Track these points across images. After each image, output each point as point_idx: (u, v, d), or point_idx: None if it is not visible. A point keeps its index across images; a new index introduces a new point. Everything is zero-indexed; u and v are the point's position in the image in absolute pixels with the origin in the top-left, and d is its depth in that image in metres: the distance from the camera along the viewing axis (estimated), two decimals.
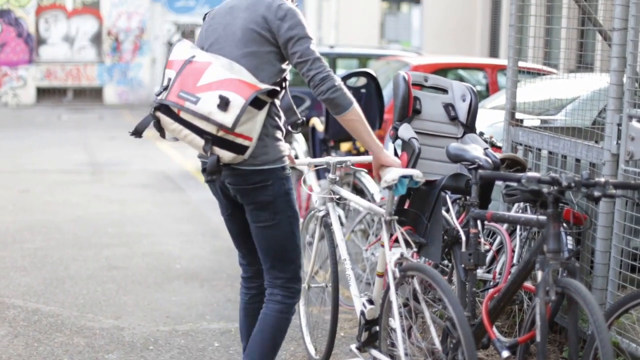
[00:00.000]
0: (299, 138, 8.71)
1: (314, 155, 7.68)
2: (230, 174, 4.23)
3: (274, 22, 4.18)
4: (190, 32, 24.96)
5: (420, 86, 5.02)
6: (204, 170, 4.16)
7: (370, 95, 7.39)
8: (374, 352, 4.62)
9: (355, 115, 4.29)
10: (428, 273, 4.06)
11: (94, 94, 24.50)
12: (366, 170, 7.17)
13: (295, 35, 4.15)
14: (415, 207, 4.70)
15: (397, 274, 4.27)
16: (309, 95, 9.38)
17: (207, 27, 4.46)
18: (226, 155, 4.09)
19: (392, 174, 4.25)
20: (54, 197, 10.68)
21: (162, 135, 4.29)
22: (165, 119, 4.20)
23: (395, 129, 4.81)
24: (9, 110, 22.70)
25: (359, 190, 7.47)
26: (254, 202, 4.29)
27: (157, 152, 15.23)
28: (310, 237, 5.80)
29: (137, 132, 4.31)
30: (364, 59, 12.81)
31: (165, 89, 4.17)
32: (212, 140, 4.06)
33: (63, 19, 24.30)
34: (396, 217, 4.51)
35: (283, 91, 4.34)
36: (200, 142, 4.08)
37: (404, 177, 4.24)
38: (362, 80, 7.45)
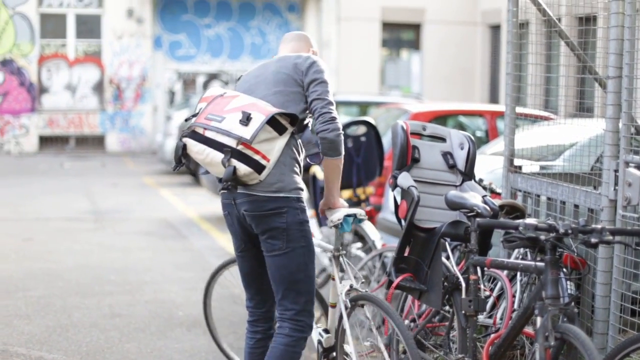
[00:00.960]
0: None
1: (315, 203, 7.73)
2: (247, 200, 4.50)
3: (303, 66, 4.66)
4: (192, 80, 25.14)
5: (419, 135, 5.10)
6: (224, 191, 4.42)
7: (370, 143, 7.47)
8: None
9: (340, 162, 4.67)
10: (375, 301, 4.57)
11: (96, 142, 24.62)
12: (366, 218, 7.22)
13: (319, 78, 4.62)
14: (416, 254, 4.76)
15: (349, 304, 4.69)
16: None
17: (241, 81, 4.88)
18: (243, 168, 4.38)
19: (338, 214, 4.75)
20: (57, 245, 10.73)
21: (188, 167, 4.75)
22: (190, 142, 4.49)
23: (395, 177, 4.88)
24: (12, 158, 22.81)
25: (360, 237, 7.53)
26: (268, 229, 4.51)
27: (159, 200, 15.29)
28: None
29: (176, 162, 4.55)
30: (364, 106, 12.93)
31: (194, 115, 4.55)
32: (231, 152, 4.37)
33: (65, 68, 24.47)
34: (344, 252, 4.94)
35: (305, 128, 4.67)
36: (219, 156, 4.39)
37: (348, 216, 4.76)
38: (362, 129, 7.53)
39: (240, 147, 4.36)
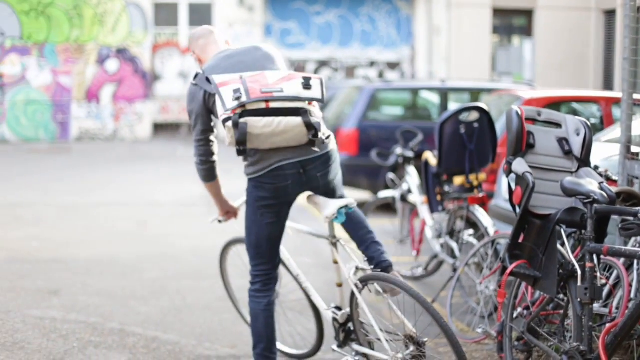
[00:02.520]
0: (412, 172, 8.76)
1: (427, 190, 7.72)
2: (320, 158, 5.08)
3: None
4: (302, 68, 25.28)
5: (534, 121, 5.02)
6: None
7: (483, 130, 7.40)
8: (355, 346, 5.31)
9: None
10: (383, 278, 4.91)
11: None
12: (479, 204, 7.21)
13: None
14: (530, 241, 4.70)
15: (359, 284, 5.01)
16: (421, 130, 9.46)
17: (225, 68, 5.12)
18: (315, 121, 4.81)
19: (331, 209, 5.08)
20: (171, 229, 10.95)
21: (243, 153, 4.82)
22: (252, 120, 4.70)
23: (509, 164, 4.83)
24: (126, 144, 23.32)
25: (472, 224, 7.49)
26: (333, 178, 5.26)
27: None
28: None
29: (240, 143, 4.73)
30: (475, 93, 12.81)
31: (238, 99, 4.69)
32: (307, 111, 4.80)
33: (177, 56, 24.90)
34: (341, 238, 5.43)
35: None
36: (297, 119, 4.76)
37: (341, 208, 5.09)
38: (475, 115, 7.47)
39: (309, 108, 4.83)
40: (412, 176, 8.76)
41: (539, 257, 4.63)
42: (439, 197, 7.64)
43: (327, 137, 5.07)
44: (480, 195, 7.36)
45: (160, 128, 24.84)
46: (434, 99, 12.90)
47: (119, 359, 6.02)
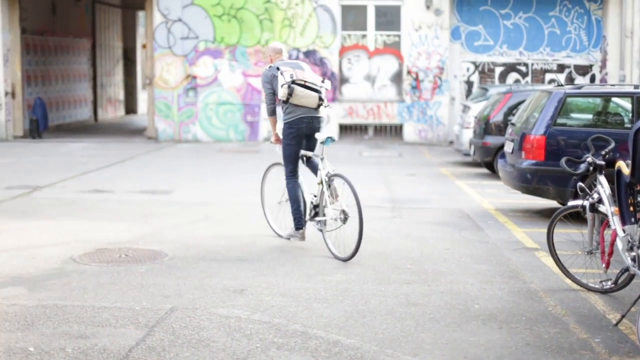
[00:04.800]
0: (603, 181, 8.46)
1: (619, 200, 7.44)
2: (318, 118, 10.14)
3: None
4: (489, 71, 24.96)
5: None
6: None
7: None
8: (317, 218, 9.94)
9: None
10: (339, 175, 9.69)
11: (393, 132, 25.07)
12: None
13: None
14: None
15: (326, 179, 9.71)
16: (614, 137, 9.12)
17: (288, 68, 10.03)
18: (323, 96, 10.09)
19: (322, 136, 9.87)
20: None
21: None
22: (297, 88, 9.85)
23: None
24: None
25: None
26: (318, 128, 10.18)
27: (455, 190, 15.31)
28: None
29: (288, 96, 10.03)
30: None
31: (291, 76, 9.85)
32: (320, 92, 10.01)
33: (365, 59, 25.07)
34: (324, 157, 9.93)
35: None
36: (315, 94, 9.95)
37: (328, 137, 9.83)
38: None
39: (322, 90, 10.03)
40: (603, 185, 8.45)
41: None
42: (631, 208, 7.35)
43: (327, 106, 10.13)
44: None
45: (346, 130, 25.07)
46: (627, 105, 12.45)
47: None
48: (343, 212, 9.50)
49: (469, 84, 25.23)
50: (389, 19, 25.04)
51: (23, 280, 8.35)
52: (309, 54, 24.81)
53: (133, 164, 19.16)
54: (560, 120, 12.16)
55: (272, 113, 10.25)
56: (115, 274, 8.61)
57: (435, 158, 21.11)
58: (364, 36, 25.11)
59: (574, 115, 12.85)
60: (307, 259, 9.45)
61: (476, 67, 25.19)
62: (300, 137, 10.04)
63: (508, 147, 13.04)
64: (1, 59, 24.55)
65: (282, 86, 9.81)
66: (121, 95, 37.31)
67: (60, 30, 29.69)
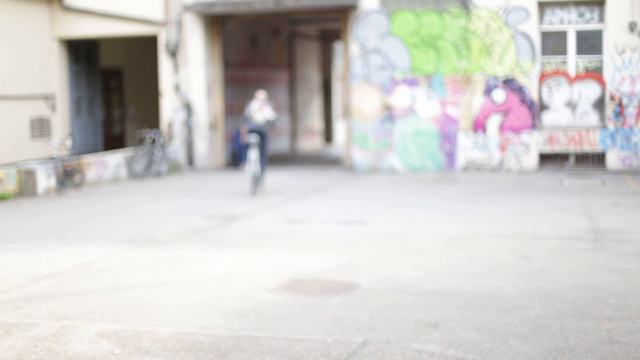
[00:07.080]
0: None
1: None
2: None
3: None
4: None
5: None
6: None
7: None
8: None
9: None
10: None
11: (595, 160, 24.24)
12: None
13: None
14: None
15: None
16: None
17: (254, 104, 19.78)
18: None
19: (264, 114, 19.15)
20: (554, 264, 10.61)
21: None
22: (252, 111, 19.65)
23: None
24: (512, 175, 23.17)
25: None
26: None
27: None
28: None
29: (246, 119, 18.32)
30: None
31: (254, 110, 19.58)
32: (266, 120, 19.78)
33: (565, 85, 24.41)
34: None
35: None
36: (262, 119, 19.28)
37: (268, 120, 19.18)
38: None
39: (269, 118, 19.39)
40: None
41: None
42: None
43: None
44: None
45: (546, 158, 24.46)
46: None
47: None
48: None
49: None
50: (590, 42, 24.31)
51: (218, 310, 8.47)
52: (508, 82, 24.39)
53: (329, 194, 19.30)
54: None
55: (244, 123, 18.28)
56: (308, 306, 8.61)
57: None
58: (564, 61, 24.47)
59: None
60: (503, 291, 9.16)
61: None
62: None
63: None
64: (205, 92, 25.51)
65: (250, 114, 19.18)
66: (318, 125, 37.86)
67: (260, 63, 30.44)
